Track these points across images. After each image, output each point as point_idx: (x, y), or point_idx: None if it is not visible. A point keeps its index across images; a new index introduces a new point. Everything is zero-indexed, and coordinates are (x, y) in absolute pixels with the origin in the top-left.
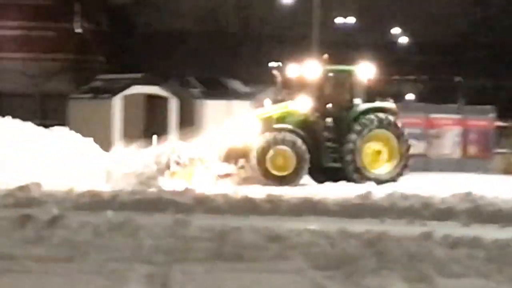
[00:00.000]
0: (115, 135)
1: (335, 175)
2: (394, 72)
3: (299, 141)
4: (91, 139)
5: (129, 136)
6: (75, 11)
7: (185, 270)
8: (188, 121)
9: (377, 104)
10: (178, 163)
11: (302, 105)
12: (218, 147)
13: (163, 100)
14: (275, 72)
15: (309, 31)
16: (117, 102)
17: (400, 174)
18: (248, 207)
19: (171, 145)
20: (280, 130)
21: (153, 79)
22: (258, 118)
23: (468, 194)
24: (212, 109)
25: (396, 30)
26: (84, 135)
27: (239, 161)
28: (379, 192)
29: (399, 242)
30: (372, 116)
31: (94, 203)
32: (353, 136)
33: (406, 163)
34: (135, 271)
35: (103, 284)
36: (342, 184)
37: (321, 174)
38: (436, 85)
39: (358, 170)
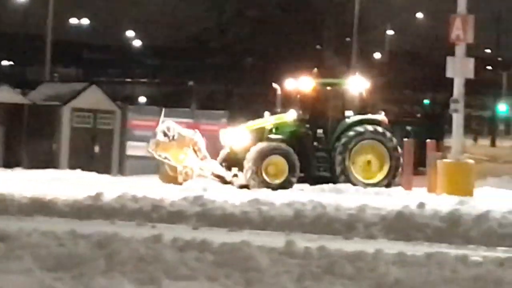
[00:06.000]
0: None
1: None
2: (127, 75)
3: (291, 151)
4: None
5: None
6: None
7: None
8: None
9: (367, 116)
10: (165, 134)
11: (293, 117)
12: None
13: None
14: (274, 85)
15: (45, 31)
16: None
17: (390, 183)
18: None
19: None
20: (273, 140)
21: None
22: (248, 129)
23: (198, 197)
24: None
25: (130, 33)
26: None
27: (232, 169)
28: (110, 194)
29: (129, 244)
30: (360, 128)
31: None
32: (342, 147)
33: (396, 172)
34: None
35: None
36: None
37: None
38: (169, 88)
39: (348, 180)
